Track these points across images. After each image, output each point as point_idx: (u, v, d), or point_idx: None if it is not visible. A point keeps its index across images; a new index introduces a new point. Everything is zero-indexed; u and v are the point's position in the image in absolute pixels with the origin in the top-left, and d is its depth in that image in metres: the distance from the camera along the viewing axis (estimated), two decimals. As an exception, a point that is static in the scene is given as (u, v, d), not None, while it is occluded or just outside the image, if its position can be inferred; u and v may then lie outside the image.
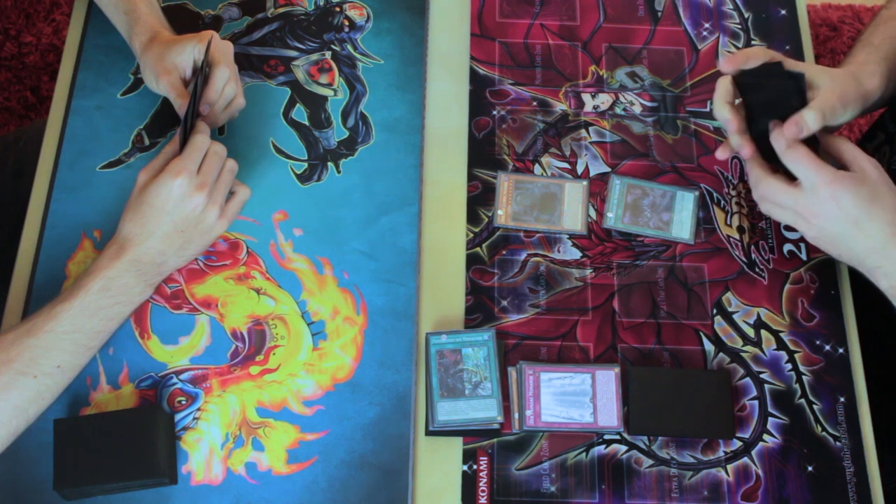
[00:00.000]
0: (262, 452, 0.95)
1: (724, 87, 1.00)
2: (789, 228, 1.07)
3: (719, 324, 1.02)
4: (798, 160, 0.94)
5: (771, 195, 0.97)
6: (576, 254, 1.06)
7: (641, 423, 0.96)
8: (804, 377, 1.00)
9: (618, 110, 1.13)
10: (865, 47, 1.04)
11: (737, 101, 1.00)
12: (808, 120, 0.95)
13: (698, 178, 1.10)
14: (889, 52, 1.04)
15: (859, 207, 0.92)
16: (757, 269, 1.05)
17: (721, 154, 1.02)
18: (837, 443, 0.98)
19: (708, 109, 1.14)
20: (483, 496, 0.94)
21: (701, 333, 1.02)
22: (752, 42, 1.18)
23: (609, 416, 0.97)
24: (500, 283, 1.04)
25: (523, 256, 1.05)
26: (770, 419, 0.98)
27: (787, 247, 1.06)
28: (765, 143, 0.98)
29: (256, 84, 1.13)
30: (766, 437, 0.97)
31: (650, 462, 0.96)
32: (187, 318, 1.00)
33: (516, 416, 0.97)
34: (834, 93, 0.97)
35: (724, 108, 1.00)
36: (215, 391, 0.97)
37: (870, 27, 1.07)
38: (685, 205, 1.07)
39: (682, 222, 1.07)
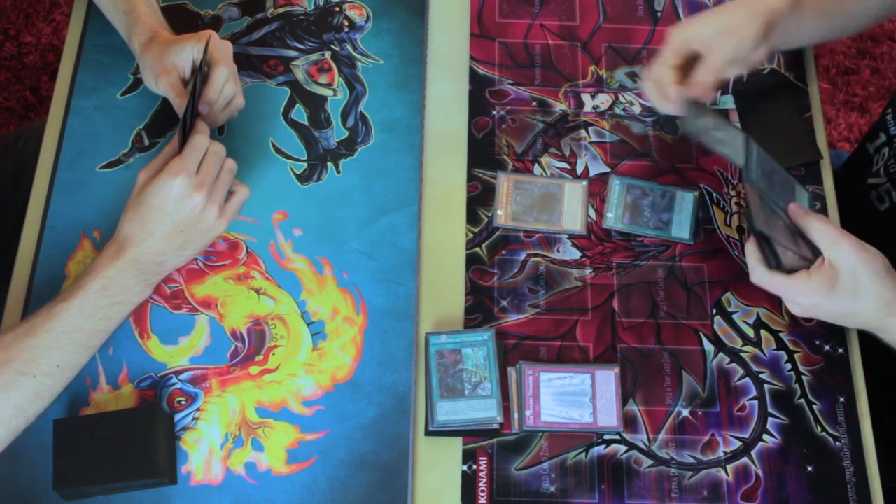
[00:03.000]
0: (261, 452, 0.95)
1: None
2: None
3: (719, 324, 1.02)
4: (821, 227, 0.94)
5: (792, 285, 0.95)
6: (575, 254, 1.05)
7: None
8: (804, 377, 1.00)
9: (617, 110, 1.13)
10: None
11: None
12: (702, 75, 0.99)
13: (698, 178, 1.10)
14: None
15: (840, 310, 0.94)
16: (757, 269, 1.05)
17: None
18: (837, 443, 0.98)
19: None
20: (483, 496, 0.94)
21: (700, 333, 1.02)
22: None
23: (609, 416, 0.97)
24: (500, 283, 1.04)
25: (523, 256, 1.05)
26: (770, 419, 0.98)
27: (787, 247, 1.06)
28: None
29: (256, 84, 1.13)
30: (765, 437, 0.97)
31: (650, 462, 0.96)
32: (187, 318, 1.00)
33: (516, 416, 0.97)
34: (721, 54, 0.98)
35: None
36: (215, 391, 0.97)
37: None
38: (685, 205, 1.07)
39: (681, 222, 1.07)
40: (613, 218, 1.07)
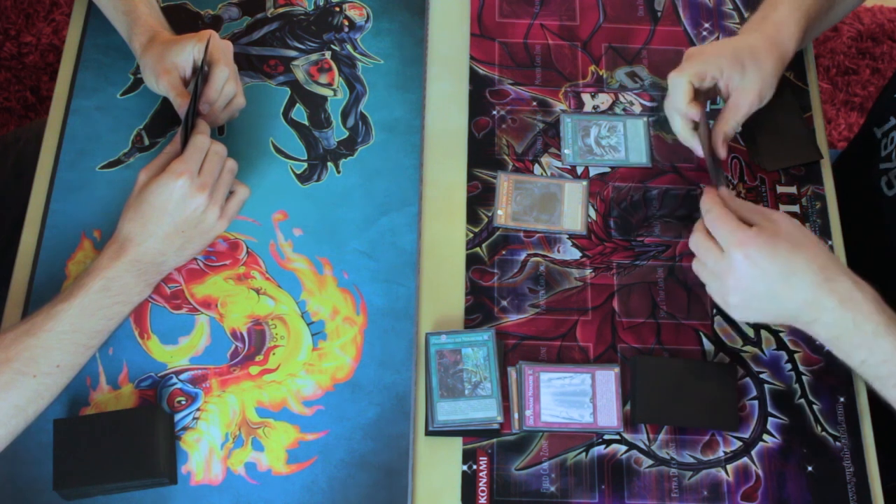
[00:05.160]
0: (261, 452, 0.95)
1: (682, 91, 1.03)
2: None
3: (719, 324, 1.02)
4: (713, 222, 0.91)
5: (699, 246, 0.93)
6: (575, 254, 1.05)
7: (646, 413, 0.96)
8: (804, 377, 1.00)
9: (617, 110, 1.13)
10: None
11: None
12: (728, 131, 1.03)
13: (698, 178, 1.10)
14: (809, 3, 1.05)
15: (779, 263, 0.87)
16: (757, 269, 1.05)
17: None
18: (837, 443, 0.98)
19: (708, 109, 1.14)
20: (483, 496, 0.94)
21: (701, 333, 1.02)
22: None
23: (609, 416, 0.97)
24: (500, 283, 1.04)
25: (523, 256, 1.05)
26: (770, 419, 0.98)
27: (787, 247, 1.06)
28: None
29: (256, 84, 1.13)
30: (765, 436, 0.97)
31: (650, 462, 0.96)
32: (187, 318, 1.00)
33: (516, 416, 0.97)
34: (752, 93, 1.02)
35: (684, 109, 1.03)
36: (215, 391, 0.97)
37: None
38: (637, 131, 1.11)
39: (637, 148, 1.10)
40: (571, 154, 1.09)
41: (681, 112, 1.03)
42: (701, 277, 0.94)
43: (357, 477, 0.94)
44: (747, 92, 1.02)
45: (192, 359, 0.99)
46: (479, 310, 1.02)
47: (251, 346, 0.99)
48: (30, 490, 0.92)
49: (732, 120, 1.03)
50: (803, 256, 0.88)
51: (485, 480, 0.95)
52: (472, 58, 1.16)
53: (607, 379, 0.98)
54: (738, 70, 1.02)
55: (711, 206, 0.92)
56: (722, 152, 1.03)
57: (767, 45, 1.03)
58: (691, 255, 1.05)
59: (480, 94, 1.14)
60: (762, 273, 0.88)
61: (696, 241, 0.93)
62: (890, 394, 0.89)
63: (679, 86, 1.02)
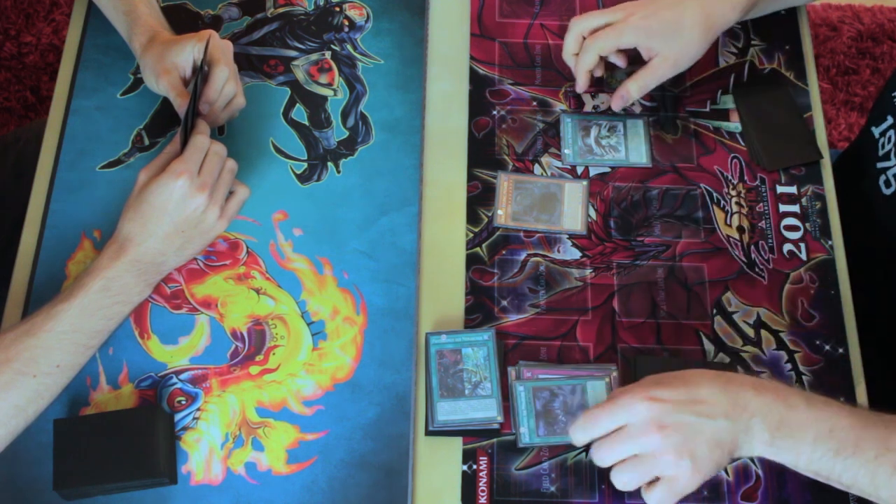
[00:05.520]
0: (261, 452, 0.95)
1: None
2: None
3: (719, 324, 1.02)
4: (596, 415, 0.84)
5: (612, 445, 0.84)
6: (576, 254, 1.05)
7: None
8: (804, 377, 1.00)
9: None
10: None
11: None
12: (632, 91, 1.07)
13: (698, 178, 1.10)
14: None
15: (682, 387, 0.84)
16: (757, 269, 1.05)
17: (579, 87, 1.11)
18: (837, 443, 0.97)
19: (708, 109, 1.14)
20: (483, 496, 0.94)
21: (701, 333, 1.02)
22: (752, 42, 1.18)
23: None
24: (500, 283, 1.04)
25: (523, 256, 1.05)
26: (770, 419, 0.98)
27: (787, 247, 1.06)
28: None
29: (256, 84, 1.13)
30: (765, 437, 0.97)
31: (650, 462, 0.96)
32: (187, 318, 1.00)
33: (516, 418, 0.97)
34: (667, 61, 1.06)
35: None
36: (215, 391, 0.97)
37: None
38: (637, 131, 1.10)
39: (637, 148, 1.10)
40: (571, 154, 1.09)
41: (565, 56, 1.11)
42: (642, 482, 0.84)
43: (357, 477, 0.94)
44: (666, 58, 1.06)
45: (193, 359, 0.99)
46: (480, 310, 1.02)
47: (251, 346, 0.99)
48: (30, 490, 0.92)
49: (643, 80, 1.07)
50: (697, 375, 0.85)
51: (485, 480, 0.95)
52: (472, 58, 1.16)
53: (599, 390, 0.97)
54: (656, 41, 1.06)
55: (582, 418, 0.85)
56: (615, 103, 1.10)
57: (699, 18, 1.06)
58: (691, 255, 1.05)
59: (480, 94, 1.14)
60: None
61: (607, 445, 0.84)
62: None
63: (573, 38, 1.09)
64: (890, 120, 1.13)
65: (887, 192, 1.12)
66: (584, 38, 1.09)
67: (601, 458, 0.84)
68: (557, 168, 1.10)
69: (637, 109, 1.13)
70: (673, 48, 1.06)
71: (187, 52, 1.02)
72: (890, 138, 1.13)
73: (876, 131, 1.16)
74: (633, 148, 1.10)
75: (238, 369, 0.98)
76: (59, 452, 0.90)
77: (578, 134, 1.11)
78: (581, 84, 1.10)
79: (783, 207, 1.08)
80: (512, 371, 0.98)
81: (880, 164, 1.14)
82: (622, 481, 0.84)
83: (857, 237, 1.10)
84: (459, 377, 0.97)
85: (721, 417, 0.82)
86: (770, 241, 1.07)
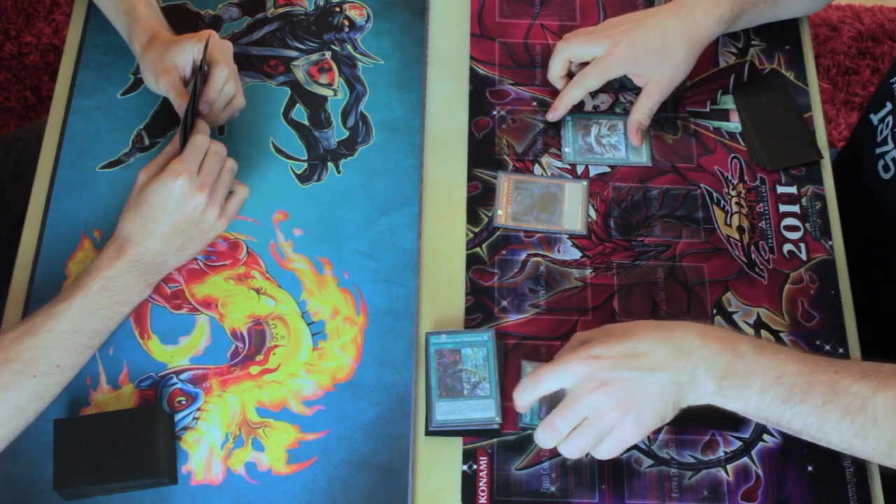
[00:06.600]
0: (262, 452, 0.95)
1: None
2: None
3: (719, 324, 1.02)
4: (540, 376, 0.86)
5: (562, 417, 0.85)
6: (576, 254, 1.06)
7: None
8: (804, 377, 1.00)
9: (618, 110, 1.13)
10: None
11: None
12: (642, 120, 1.09)
13: (698, 178, 1.10)
14: None
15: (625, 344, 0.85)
16: (757, 269, 1.05)
17: (551, 115, 1.11)
18: (837, 443, 0.97)
19: (708, 109, 1.14)
20: (483, 496, 0.94)
21: (701, 333, 1.02)
22: (752, 42, 1.18)
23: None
24: (500, 283, 1.04)
25: (523, 256, 1.05)
26: (770, 419, 0.98)
27: (787, 247, 1.06)
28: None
29: (256, 84, 1.13)
30: (766, 436, 0.97)
31: (650, 462, 0.96)
32: (187, 318, 1.00)
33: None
34: (660, 84, 1.07)
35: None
36: (215, 391, 0.97)
37: None
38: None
39: (638, 147, 1.10)
40: (572, 153, 1.10)
41: (551, 78, 1.12)
42: (589, 445, 0.85)
43: (357, 477, 0.94)
44: (658, 82, 1.07)
45: (193, 359, 0.99)
46: (480, 310, 1.02)
47: (251, 346, 0.99)
48: (30, 490, 0.92)
49: (645, 107, 1.08)
50: (640, 331, 0.85)
51: (485, 480, 0.95)
52: (472, 58, 1.16)
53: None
54: (645, 68, 1.07)
55: (527, 378, 0.87)
56: (635, 140, 1.09)
57: (683, 37, 1.07)
58: (691, 256, 1.05)
59: (481, 94, 1.14)
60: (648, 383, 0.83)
61: (556, 420, 0.85)
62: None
63: (560, 62, 1.10)
64: (889, 106, 1.13)
65: (886, 176, 1.12)
66: (570, 63, 1.10)
67: (556, 428, 0.85)
68: (557, 168, 1.10)
69: (637, 109, 1.13)
70: (664, 72, 1.07)
71: (187, 52, 1.02)
72: (888, 124, 1.13)
73: (874, 118, 1.16)
74: (633, 147, 1.10)
75: (238, 369, 0.98)
76: (59, 452, 0.90)
77: (579, 132, 1.11)
78: (558, 114, 1.11)
79: (783, 207, 1.08)
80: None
81: (879, 150, 1.14)
82: (575, 445, 0.85)
83: (857, 231, 1.10)
84: (458, 377, 0.97)
85: (662, 370, 0.83)
86: (770, 241, 1.07)
